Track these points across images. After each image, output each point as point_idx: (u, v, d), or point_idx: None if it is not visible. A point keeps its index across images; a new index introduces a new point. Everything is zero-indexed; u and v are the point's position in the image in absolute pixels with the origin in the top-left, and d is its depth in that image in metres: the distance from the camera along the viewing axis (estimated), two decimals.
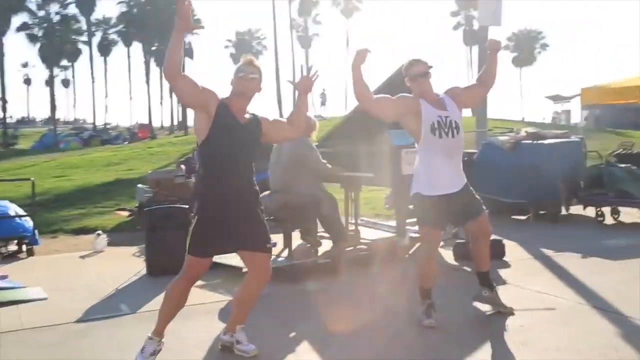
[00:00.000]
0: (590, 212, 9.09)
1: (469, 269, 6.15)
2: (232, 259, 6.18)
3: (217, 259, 6.09)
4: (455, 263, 6.61)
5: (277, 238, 6.54)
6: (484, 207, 4.67)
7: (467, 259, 6.43)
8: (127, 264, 6.93)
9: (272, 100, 50.02)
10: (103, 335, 4.54)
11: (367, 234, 7.04)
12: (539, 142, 9.02)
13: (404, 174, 6.30)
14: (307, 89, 3.91)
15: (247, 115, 3.84)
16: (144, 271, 6.36)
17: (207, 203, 3.74)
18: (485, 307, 4.84)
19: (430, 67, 4.50)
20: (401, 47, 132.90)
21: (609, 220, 8.92)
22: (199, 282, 5.78)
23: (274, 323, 4.69)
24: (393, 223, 7.33)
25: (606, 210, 8.96)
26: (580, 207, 9.24)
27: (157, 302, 5.19)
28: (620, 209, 8.96)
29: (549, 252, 6.87)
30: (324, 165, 6.20)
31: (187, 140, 26.57)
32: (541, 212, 9.00)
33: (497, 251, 6.66)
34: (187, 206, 6.70)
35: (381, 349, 4.15)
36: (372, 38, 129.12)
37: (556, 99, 62.76)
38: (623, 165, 9.00)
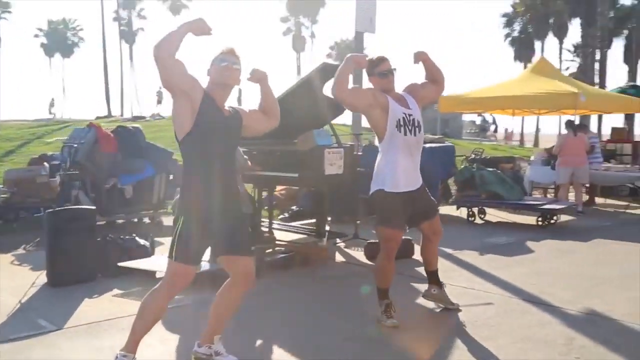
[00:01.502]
0: (463, 212, 9.74)
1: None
2: (144, 263, 5.76)
3: (129, 263, 5.67)
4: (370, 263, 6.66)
5: None
6: (437, 208, 4.79)
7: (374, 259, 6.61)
8: (13, 274, 6.08)
9: (101, 97, 47.31)
10: (36, 357, 3.91)
11: (280, 235, 6.86)
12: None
13: (327, 174, 6.26)
14: (263, 77, 3.70)
15: (227, 108, 3.57)
16: (40, 280, 5.62)
17: (193, 202, 3.40)
18: (431, 305, 4.95)
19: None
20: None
21: (477, 220, 9.60)
22: (116, 292, 5.31)
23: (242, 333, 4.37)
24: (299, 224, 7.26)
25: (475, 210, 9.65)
26: (452, 207, 9.88)
27: (81, 314, 4.69)
28: (485, 209, 9.70)
29: (449, 250, 7.20)
30: (243, 158, 5.94)
31: None
32: None
33: (407, 250, 6.86)
34: (93, 207, 6.08)
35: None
36: (199, 39, 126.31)
37: None
38: (491, 169, 9.73)
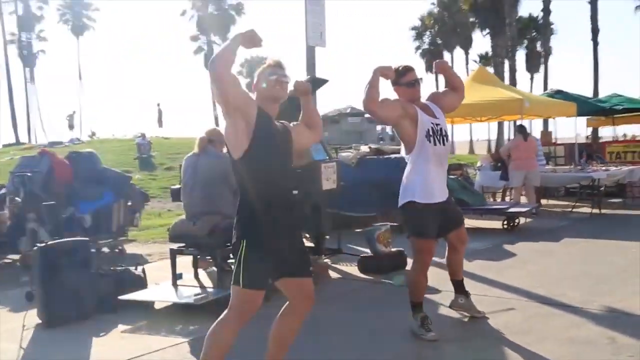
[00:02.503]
0: None
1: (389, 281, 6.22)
2: (146, 295, 5.42)
3: (130, 296, 5.29)
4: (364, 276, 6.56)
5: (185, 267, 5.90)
6: (463, 217, 4.77)
7: (373, 272, 6.53)
8: None
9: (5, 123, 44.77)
10: None
11: None
12: (387, 156, 9.47)
13: (324, 189, 6.14)
14: (308, 90, 3.58)
15: (277, 123, 3.39)
16: (30, 322, 5.11)
17: (257, 224, 3.18)
18: (456, 315, 4.90)
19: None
20: (138, 71, 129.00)
21: None
22: (123, 327, 4.94)
23: None
24: None
25: None
26: None
27: (99, 355, 4.30)
28: None
29: (435, 259, 7.17)
30: None
31: None
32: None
33: (401, 262, 6.82)
34: (87, 238, 5.64)
35: None
36: (107, 59, 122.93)
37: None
38: (453, 177, 9.89)
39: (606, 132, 26.06)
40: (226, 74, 3.06)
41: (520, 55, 40.56)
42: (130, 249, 8.91)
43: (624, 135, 30.98)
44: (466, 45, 46.40)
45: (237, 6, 55.21)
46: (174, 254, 5.62)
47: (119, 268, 5.73)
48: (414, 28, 46.10)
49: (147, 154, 21.03)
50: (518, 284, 5.89)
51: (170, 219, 12.53)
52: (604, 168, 11.65)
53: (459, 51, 46.56)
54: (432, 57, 46.15)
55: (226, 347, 3.23)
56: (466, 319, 4.85)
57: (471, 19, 42.58)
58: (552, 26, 25.88)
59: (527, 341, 4.27)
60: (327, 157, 6.37)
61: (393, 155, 9.55)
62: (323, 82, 6.72)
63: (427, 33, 46.20)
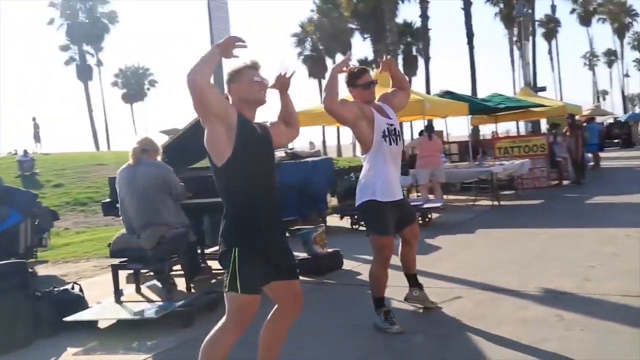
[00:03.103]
0: (345, 221, 10.05)
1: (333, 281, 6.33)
2: (91, 314, 5.18)
3: (76, 316, 5.04)
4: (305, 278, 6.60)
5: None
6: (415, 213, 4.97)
7: (312, 274, 6.60)
8: None
9: None
10: None
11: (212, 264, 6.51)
12: (304, 160, 9.57)
13: None
14: (285, 86, 3.55)
15: (256, 125, 3.39)
16: None
17: (247, 230, 3.15)
18: (410, 307, 5.09)
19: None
20: (5, 84, 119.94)
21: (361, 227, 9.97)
22: (73, 350, 4.69)
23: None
24: None
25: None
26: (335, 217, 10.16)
27: None
28: None
29: (365, 257, 7.37)
30: (183, 188, 5.56)
31: None
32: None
33: (337, 262, 6.95)
34: (23, 260, 5.26)
35: None
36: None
37: (172, 132, 65.24)
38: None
39: (486, 130, 27.77)
40: (202, 81, 2.99)
41: (398, 59, 42.10)
42: (42, 270, 8.40)
43: (493, 132, 32.97)
44: (346, 50, 47.54)
45: (109, 14, 53.12)
46: (116, 270, 5.40)
47: (57, 289, 5.39)
48: (295, 34, 46.80)
49: (31, 172, 19.76)
50: (454, 274, 6.20)
51: (72, 238, 11.94)
52: (498, 163, 12.44)
53: (339, 57, 47.60)
54: (314, 63, 47.07)
55: (224, 356, 3.17)
56: (421, 311, 5.04)
57: (351, 25, 43.82)
58: (430, 31, 27.18)
59: (486, 324, 4.53)
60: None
61: (310, 159, 9.68)
62: None
63: (308, 39, 47.01)
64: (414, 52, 43.76)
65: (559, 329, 4.33)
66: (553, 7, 51.53)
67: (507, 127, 32.36)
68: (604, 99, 71.78)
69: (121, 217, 5.44)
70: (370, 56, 42.44)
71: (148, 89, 68.79)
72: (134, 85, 66.87)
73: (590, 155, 17.49)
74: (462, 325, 4.59)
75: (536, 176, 14.15)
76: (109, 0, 53.34)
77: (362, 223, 4.85)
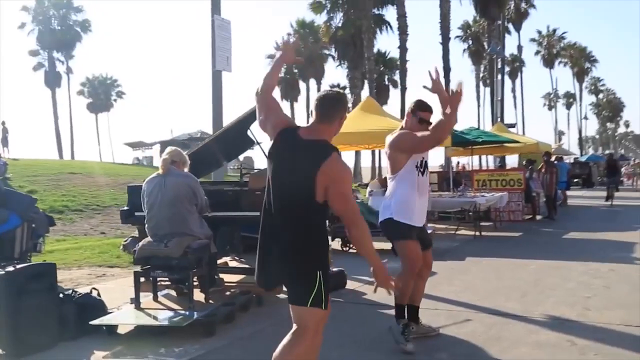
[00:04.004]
0: (336, 243, 10.21)
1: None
2: (117, 318, 5.21)
3: (103, 320, 5.08)
4: None
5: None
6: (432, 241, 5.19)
7: None
8: None
9: None
10: None
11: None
12: None
13: None
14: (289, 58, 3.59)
15: None
16: None
17: (327, 255, 3.37)
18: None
19: None
20: None
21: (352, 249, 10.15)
22: (100, 354, 4.75)
23: None
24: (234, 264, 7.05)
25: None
26: None
27: None
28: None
29: (365, 278, 7.56)
30: (207, 201, 5.70)
31: None
32: None
33: (341, 281, 7.12)
34: (54, 262, 5.28)
35: None
36: None
37: (138, 145, 64.71)
38: (358, 200, 10.38)
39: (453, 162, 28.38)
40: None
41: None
42: None
43: (458, 163, 33.65)
44: (320, 75, 48.16)
45: (83, 23, 52.64)
46: (138, 277, 5.45)
47: (78, 293, 5.42)
48: (270, 56, 46.95)
49: (3, 176, 19.32)
50: (457, 298, 6.43)
51: (54, 246, 11.77)
52: (480, 194, 12.83)
53: (313, 82, 48.15)
54: (288, 85, 47.41)
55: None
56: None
57: (326, 52, 44.41)
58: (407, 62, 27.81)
59: (502, 347, 4.76)
60: None
61: None
62: None
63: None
64: (386, 82, 44.51)
65: (574, 354, 4.59)
66: (519, 48, 53.05)
67: (477, 161, 33.07)
68: (560, 140, 74.02)
69: (146, 225, 5.51)
70: (343, 82, 43.06)
71: (115, 100, 68.03)
72: (101, 95, 66.09)
73: (560, 192, 18.11)
74: (480, 346, 4.81)
75: (512, 209, 14.61)
76: (82, 9, 52.88)
77: (387, 237, 5.03)
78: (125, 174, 24.24)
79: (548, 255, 9.27)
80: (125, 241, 10.14)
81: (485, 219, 13.95)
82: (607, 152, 19.67)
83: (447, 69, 27.72)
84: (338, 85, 47.06)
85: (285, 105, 48.67)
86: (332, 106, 3.30)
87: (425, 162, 4.89)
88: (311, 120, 3.35)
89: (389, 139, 4.82)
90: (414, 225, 4.80)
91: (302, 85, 49.41)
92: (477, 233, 12.00)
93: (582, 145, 78.70)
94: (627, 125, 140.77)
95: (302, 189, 3.12)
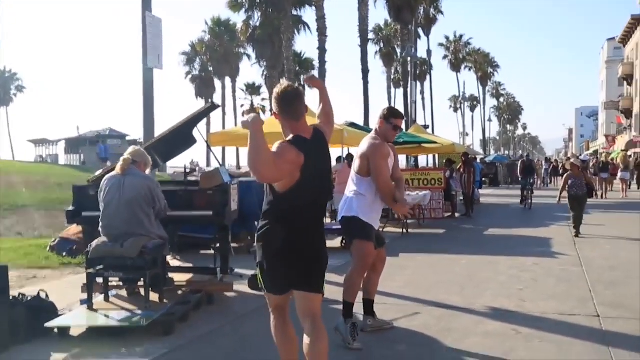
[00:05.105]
0: None
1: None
2: (72, 319, 5.08)
3: (56, 322, 4.95)
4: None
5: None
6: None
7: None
8: None
9: None
10: None
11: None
12: (239, 180, 9.72)
13: (232, 210, 6.32)
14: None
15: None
16: None
17: None
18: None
19: None
20: None
21: None
22: (59, 356, 4.63)
23: None
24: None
25: None
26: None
27: None
28: None
29: None
30: (166, 204, 5.65)
31: None
32: (237, 244, 9.68)
33: None
34: (5, 265, 5.05)
35: None
36: None
37: (41, 142, 61.81)
38: None
39: None
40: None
41: None
42: None
43: None
44: (234, 74, 47.83)
45: None
46: (92, 278, 5.33)
47: (26, 295, 5.23)
48: (184, 53, 46.39)
49: None
50: (402, 293, 6.69)
51: None
52: (406, 193, 13.23)
53: (228, 80, 47.79)
54: (202, 83, 46.79)
55: None
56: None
57: (242, 50, 44.17)
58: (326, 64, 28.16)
59: (455, 337, 5.03)
60: (231, 179, 6.56)
61: (244, 179, 9.87)
62: (215, 107, 7.09)
63: (198, 59, 46.74)
64: (302, 82, 44.80)
65: (521, 341, 4.92)
66: (429, 52, 54.54)
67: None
68: (465, 140, 77.13)
69: (100, 224, 5.40)
70: (259, 81, 43.02)
71: (15, 94, 64.78)
72: (1, 89, 62.82)
73: (478, 190, 18.97)
74: (434, 337, 5.06)
75: (433, 207, 15.17)
76: None
77: (346, 233, 5.21)
78: (34, 172, 23.23)
79: (475, 251, 9.76)
80: (53, 242, 9.79)
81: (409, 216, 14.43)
82: (525, 153, 20.22)
83: (365, 71, 28.33)
84: (254, 84, 47.09)
85: (200, 103, 48.06)
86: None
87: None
88: (286, 118, 3.39)
89: (368, 143, 5.01)
90: (373, 225, 5.00)
91: (217, 83, 48.90)
92: (405, 230, 12.41)
93: (485, 146, 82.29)
94: (524, 127, 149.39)
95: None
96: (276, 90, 3.40)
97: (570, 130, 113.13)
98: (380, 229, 7.14)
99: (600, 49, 69.21)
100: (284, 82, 3.45)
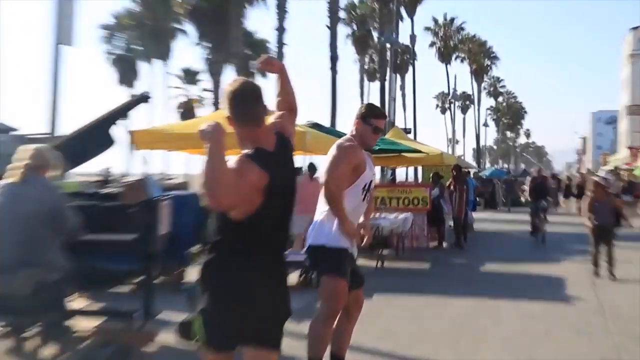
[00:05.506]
0: None
1: None
2: None
3: None
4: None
5: None
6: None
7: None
8: None
9: None
10: None
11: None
12: (171, 194, 9.47)
13: (161, 233, 6.13)
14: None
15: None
16: None
17: None
18: None
19: None
20: None
21: None
22: None
23: None
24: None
25: None
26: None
27: None
28: None
29: None
30: (77, 222, 5.37)
31: None
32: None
33: None
34: None
35: None
36: None
37: None
38: None
39: None
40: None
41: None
42: None
43: None
44: (166, 55, 47.45)
45: None
46: None
47: None
48: (105, 26, 45.57)
49: None
50: (377, 347, 6.57)
51: None
52: (382, 216, 13.15)
53: (159, 62, 47.37)
54: (126, 65, 46.20)
55: None
56: None
57: (177, 26, 43.83)
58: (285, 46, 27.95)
59: None
60: (162, 193, 6.36)
61: (175, 193, 9.62)
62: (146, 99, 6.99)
63: (120, 35, 46.03)
64: (252, 69, 44.74)
65: None
66: (412, 37, 54.58)
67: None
68: (453, 150, 77.00)
69: None
70: (198, 65, 42.72)
71: None
72: None
73: (472, 214, 18.99)
74: None
75: (415, 234, 15.11)
76: None
77: (314, 266, 5.06)
78: None
79: (470, 292, 9.71)
80: None
81: (384, 245, 14.28)
82: (536, 168, 20.01)
83: (334, 59, 28.33)
84: (192, 70, 46.81)
85: (123, 92, 47.51)
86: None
87: (371, 186, 5.00)
88: (243, 125, 3.27)
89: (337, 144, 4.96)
90: (350, 251, 4.84)
91: (143, 66, 48.41)
92: (379, 264, 12.31)
93: (479, 157, 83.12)
94: (527, 134, 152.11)
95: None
96: (230, 88, 3.28)
97: (584, 140, 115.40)
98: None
99: (621, 41, 70.80)
100: (239, 79, 3.35)
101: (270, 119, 3.52)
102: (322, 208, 4.93)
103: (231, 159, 3.10)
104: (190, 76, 48.94)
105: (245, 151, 3.20)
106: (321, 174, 5.03)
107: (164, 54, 46.93)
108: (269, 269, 3.27)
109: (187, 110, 47.04)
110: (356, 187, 4.87)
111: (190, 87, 49.91)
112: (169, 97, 47.93)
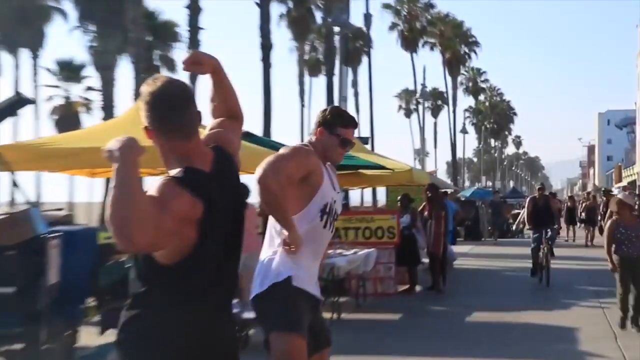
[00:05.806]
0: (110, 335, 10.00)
1: None
2: None
3: None
4: None
5: None
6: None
7: None
8: None
9: None
10: None
11: None
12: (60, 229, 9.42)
13: (50, 284, 6.15)
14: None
15: None
16: None
17: None
18: None
19: None
20: None
21: None
22: None
23: None
24: None
25: None
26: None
27: None
28: None
29: None
30: None
31: None
32: None
33: None
34: None
35: None
36: None
37: None
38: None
39: None
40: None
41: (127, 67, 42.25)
42: None
43: None
44: (37, 44, 47.04)
45: None
46: None
47: None
48: None
49: None
50: None
51: None
52: (337, 252, 13.19)
53: (26, 52, 46.92)
54: None
55: None
56: None
57: (52, 4, 43.51)
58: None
59: None
60: (50, 228, 6.37)
61: (66, 228, 9.57)
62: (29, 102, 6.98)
63: None
64: (157, 61, 44.61)
65: None
66: (368, 18, 53.91)
67: None
68: (423, 164, 75.96)
69: None
70: (81, 56, 42.26)
71: None
72: None
73: (452, 247, 19.16)
74: None
75: (380, 276, 15.13)
76: None
77: (259, 321, 5.05)
78: None
79: (454, 351, 9.83)
80: None
81: (339, 291, 14.31)
82: (537, 185, 19.68)
83: (266, 47, 28.34)
84: (72, 63, 46.40)
85: None
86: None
87: (335, 210, 5.01)
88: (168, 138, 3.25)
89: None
90: (310, 293, 4.88)
91: (7, 59, 47.89)
92: (335, 315, 12.35)
93: (456, 173, 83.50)
94: (517, 143, 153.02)
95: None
96: (148, 89, 3.22)
97: (591, 149, 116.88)
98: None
99: (635, 28, 72.23)
100: (160, 76, 3.33)
101: (205, 130, 3.53)
102: (267, 245, 4.93)
103: (151, 183, 3.10)
104: (70, 71, 48.43)
105: (172, 172, 3.16)
106: (255, 174, 4.70)
107: (34, 42, 46.51)
108: (212, 328, 3.24)
109: (65, 117, 46.47)
110: (313, 206, 4.84)
111: (70, 86, 49.38)
112: (41, 99, 47.32)
